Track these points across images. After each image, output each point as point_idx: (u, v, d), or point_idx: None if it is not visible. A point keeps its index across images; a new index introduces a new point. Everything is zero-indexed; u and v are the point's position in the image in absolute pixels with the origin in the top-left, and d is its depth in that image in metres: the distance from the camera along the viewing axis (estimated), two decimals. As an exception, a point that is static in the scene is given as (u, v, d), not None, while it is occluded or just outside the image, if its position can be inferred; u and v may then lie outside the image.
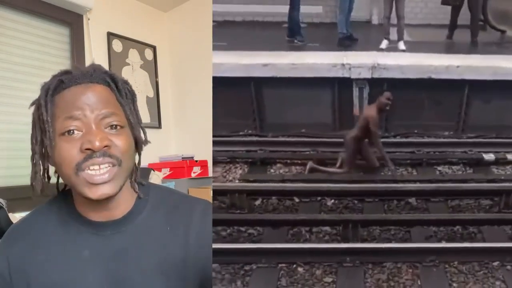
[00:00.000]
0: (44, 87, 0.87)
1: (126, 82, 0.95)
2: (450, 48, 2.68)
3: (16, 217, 1.69)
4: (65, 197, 0.95)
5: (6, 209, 1.65)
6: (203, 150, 2.95)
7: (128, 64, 3.11)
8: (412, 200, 1.82)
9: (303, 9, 2.85)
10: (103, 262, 0.87)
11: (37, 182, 0.90)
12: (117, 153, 0.83)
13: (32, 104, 0.90)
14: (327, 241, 1.61)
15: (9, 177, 2.25)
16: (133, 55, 3.15)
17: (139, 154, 0.98)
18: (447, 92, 2.34)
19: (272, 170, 2.05)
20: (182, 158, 2.91)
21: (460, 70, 2.29)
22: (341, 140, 2.20)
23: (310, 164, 2.01)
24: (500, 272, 1.45)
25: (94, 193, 0.81)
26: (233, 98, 2.36)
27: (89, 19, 2.78)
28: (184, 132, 3.36)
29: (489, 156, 2.07)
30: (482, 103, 2.35)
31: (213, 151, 2.16)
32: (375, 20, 3.18)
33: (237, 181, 1.95)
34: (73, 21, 2.71)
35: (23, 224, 0.95)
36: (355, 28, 2.76)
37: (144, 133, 0.96)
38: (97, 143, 0.79)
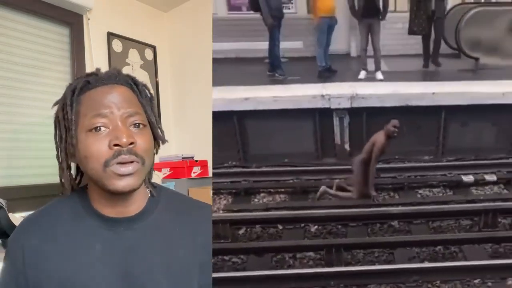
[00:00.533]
0: (70, 87, 0.92)
1: (145, 85, 1.00)
2: (426, 76, 2.78)
3: (16, 217, 1.68)
4: (80, 193, 0.98)
5: (6, 209, 1.64)
6: (203, 150, 2.91)
7: (128, 64, 3.06)
8: (395, 223, 1.85)
9: (285, 44, 2.96)
10: (114, 257, 0.89)
11: (65, 179, 0.95)
12: (141, 152, 0.87)
13: (55, 104, 0.95)
14: (311, 266, 1.62)
15: (9, 177, 2.18)
16: (133, 55, 3.12)
17: (156, 153, 1.02)
18: (425, 118, 2.41)
19: (256, 200, 2.07)
20: (182, 158, 2.85)
21: (436, 97, 2.36)
22: (324, 168, 2.26)
23: (322, 188, 2.02)
24: (482, 289, 1.46)
25: (119, 185, 0.85)
26: (218, 131, 2.41)
27: (89, 19, 2.77)
28: (184, 132, 3.30)
29: (468, 178, 2.11)
30: (459, 127, 2.42)
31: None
32: (353, 53, 3.30)
33: (221, 211, 1.96)
34: (73, 21, 2.69)
35: (38, 216, 0.97)
36: (335, 61, 2.86)
37: (162, 133, 1.01)
38: (124, 139, 0.84)
